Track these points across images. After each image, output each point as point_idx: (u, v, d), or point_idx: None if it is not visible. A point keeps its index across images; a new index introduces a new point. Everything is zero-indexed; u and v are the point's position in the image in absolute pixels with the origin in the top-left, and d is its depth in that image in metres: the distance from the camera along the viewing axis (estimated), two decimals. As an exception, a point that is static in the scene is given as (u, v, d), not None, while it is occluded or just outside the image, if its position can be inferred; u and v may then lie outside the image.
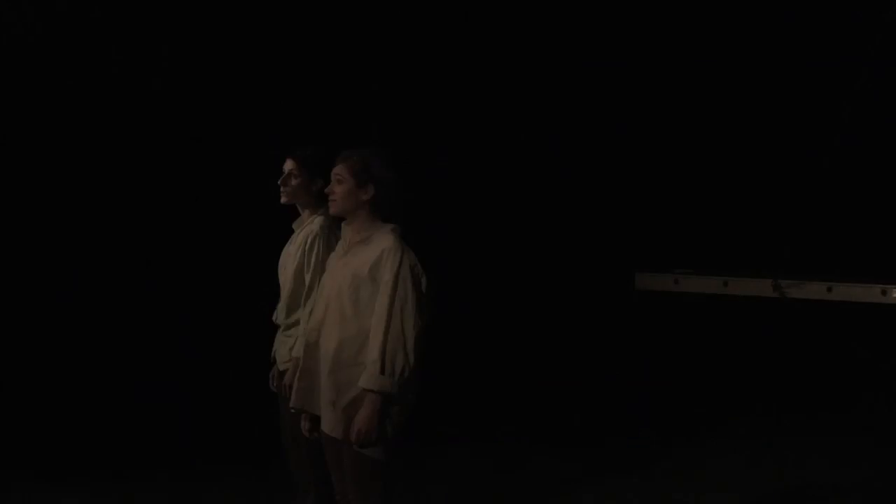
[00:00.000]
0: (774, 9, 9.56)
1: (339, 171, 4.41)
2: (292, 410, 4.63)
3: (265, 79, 8.75)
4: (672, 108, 10.02)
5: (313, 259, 5.02)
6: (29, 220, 8.15)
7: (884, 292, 6.37)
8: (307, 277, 5.03)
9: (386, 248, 4.30)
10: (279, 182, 5.22)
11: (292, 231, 5.29)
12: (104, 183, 8.38)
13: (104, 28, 8.28)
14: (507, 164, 9.86)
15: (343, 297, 4.32)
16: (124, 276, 8.44)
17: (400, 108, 9.21)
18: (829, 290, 6.56)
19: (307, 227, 5.15)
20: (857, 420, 8.49)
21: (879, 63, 6.62)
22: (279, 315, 5.24)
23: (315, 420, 4.46)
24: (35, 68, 8.12)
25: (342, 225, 4.51)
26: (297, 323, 5.07)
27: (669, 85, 9.99)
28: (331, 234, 4.99)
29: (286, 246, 5.30)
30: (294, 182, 5.19)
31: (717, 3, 9.72)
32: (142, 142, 8.46)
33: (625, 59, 9.97)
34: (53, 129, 8.20)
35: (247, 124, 8.57)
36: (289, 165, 5.20)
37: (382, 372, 4.19)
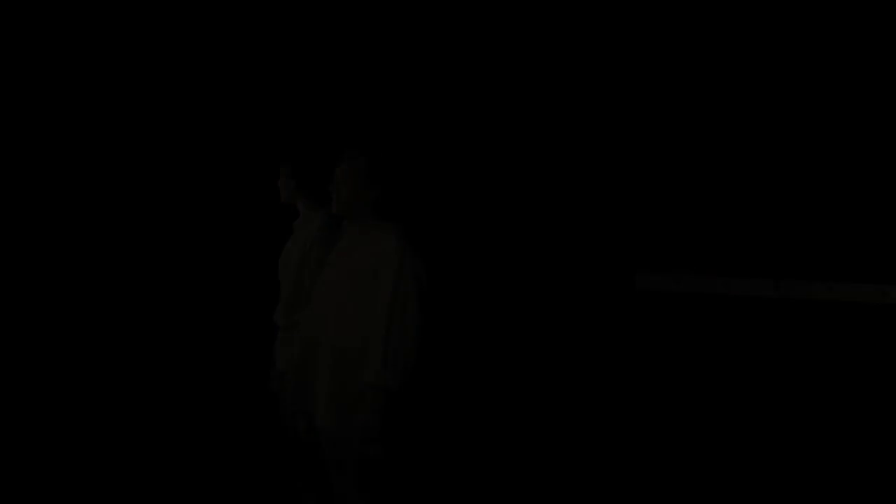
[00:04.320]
0: (775, 9, 9.56)
1: (344, 170, 4.42)
2: (290, 409, 4.63)
3: (265, 77, 8.75)
4: (672, 106, 10.01)
5: (315, 260, 5.02)
6: (30, 220, 8.15)
7: (884, 293, 6.36)
8: (309, 279, 5.03)
9: (388, 246, 4.30)
10: (278, 182, 5.25)
11: (292, 230, 5.30)
12: (105, 181, 8.38)
13: (105, 28, 8.28)
14: (506, 163, 9.85)
15: (344, 294, 4.32)
16: (124, 276, 8.44)
17: (399, 108, 9.21)
18: (829, 290, 6.54)
19: (309, 227, 5.15)
20: (856, 421, 8.48)
21: (879, 63, 6.62)
22: (280, 315, 5.23)
23: (312, 418, 4.46)
24: (34, 68, 8.12)
25: (345, 222, 4.51)
26: (297, 323, 5.06)
27: (669, 83, 9.98)
28: (332, 235, 4.99)
29: (286, 245, 5.30)
30: (292, 185, 5.22)
31: (719, 4, 9.72)
32: (141, 141, 8.46)
33: (624, 58, 9.96)
34: (53, 129, 8.20)
35: (247, 123, 8.57)
36: (283, 173, 5.24)
37: (384, 369, 4.19)
